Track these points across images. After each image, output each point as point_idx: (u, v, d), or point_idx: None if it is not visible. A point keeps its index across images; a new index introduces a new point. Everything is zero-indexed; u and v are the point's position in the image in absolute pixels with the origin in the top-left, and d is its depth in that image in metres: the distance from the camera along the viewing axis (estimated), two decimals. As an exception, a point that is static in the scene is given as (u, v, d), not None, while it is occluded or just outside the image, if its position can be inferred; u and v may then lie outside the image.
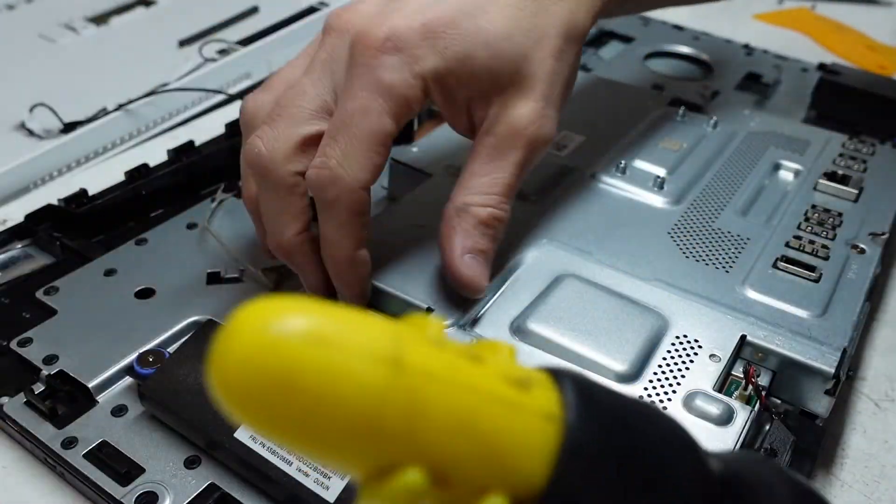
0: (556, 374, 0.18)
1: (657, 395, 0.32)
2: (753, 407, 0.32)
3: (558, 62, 0.35)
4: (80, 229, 0.44)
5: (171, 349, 0.35)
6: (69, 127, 0.55)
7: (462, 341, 0.33)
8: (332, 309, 0.16)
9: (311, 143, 0.33)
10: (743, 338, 0.35)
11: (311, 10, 0.70)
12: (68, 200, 0.44)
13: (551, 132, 0.35)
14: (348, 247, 0.33)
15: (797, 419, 0.34)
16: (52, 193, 0.50)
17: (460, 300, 0.35)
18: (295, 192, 0.33)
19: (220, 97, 0.61)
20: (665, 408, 0.31)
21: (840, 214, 0.44)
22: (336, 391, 0.15)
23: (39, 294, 0.39)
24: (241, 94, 0.61)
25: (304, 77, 0.34)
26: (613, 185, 0.45)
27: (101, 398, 0.35)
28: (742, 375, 0.34)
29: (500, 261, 0.38)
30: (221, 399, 0.15)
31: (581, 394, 0.17)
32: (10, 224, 0.45)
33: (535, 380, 0.17)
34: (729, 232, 0.42)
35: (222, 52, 0.65)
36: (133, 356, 0.35)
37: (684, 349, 0.34)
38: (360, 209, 0.32)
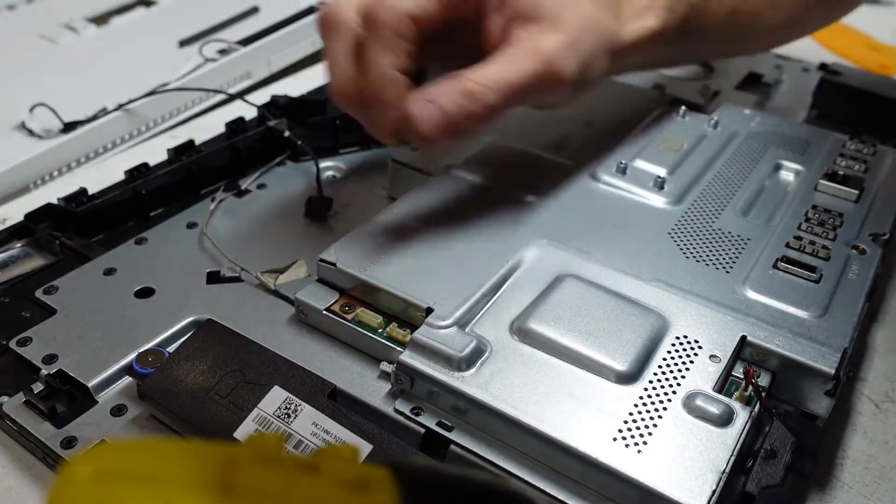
0: (396, 471, 0.19)
1: (657, 395, 0.32)
2: (753, 408, 0.32)
3: (588, 21, 0.38)
4: (79, 228, 0.44)
5: (171, 349, 0.35)
6: (69, 127, 0.55)
7: (453, 342, 0.33)
8: (159, 445, 0.17)
9: None
10: (743, 338, 0.35)
11: (310, 10, 0.70)
12: (68, 200, 0.44)
13: (569, 67, 0.37)
14: (387, 64, 0.35)
15: (797, 420, 0.34)
16: (51, 193, 0.50)
17: (460, 300, 0.35)
18: (396, 31, 0.35)
19: (221, 97, 0.61)
20: (665, 409, 0.31)
21: (841, 215, 0.43)
22: None
23: (39, 293, 0.39)
24: (241, 94, 0.61)
25: None
26: (613, 185, 0.45)
27: (100, 398, 0.35)
28: (742, 376, 0.34)
29: (501, 259, 0.38)
30: None
31: (418, 490, 0.19)
32: (9, 223, 0.44)
33: (374, 479, 0.18)
34: (729, 232, 0.42)
35: (223, 52, 0.65)
36: (133, 356, 0.35)
37: (684, 349, 0.34)
38: (403, 33, 0.35)
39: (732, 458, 0.30)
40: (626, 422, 0.31)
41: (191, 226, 0.45)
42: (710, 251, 0.40)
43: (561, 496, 0.30)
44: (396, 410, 0.33)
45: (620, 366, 0.33)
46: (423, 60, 0.37)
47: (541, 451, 0.31)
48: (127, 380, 0.35)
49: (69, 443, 0.32)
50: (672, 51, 0.45)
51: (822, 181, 0.46)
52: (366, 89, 0.36)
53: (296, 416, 0.32)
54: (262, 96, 0.60)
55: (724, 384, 0.34)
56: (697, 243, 0.41)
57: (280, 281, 0.40)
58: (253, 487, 0.17)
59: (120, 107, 0.56)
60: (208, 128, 0.56)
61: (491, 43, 0.38)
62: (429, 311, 0.35)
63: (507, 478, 0.31)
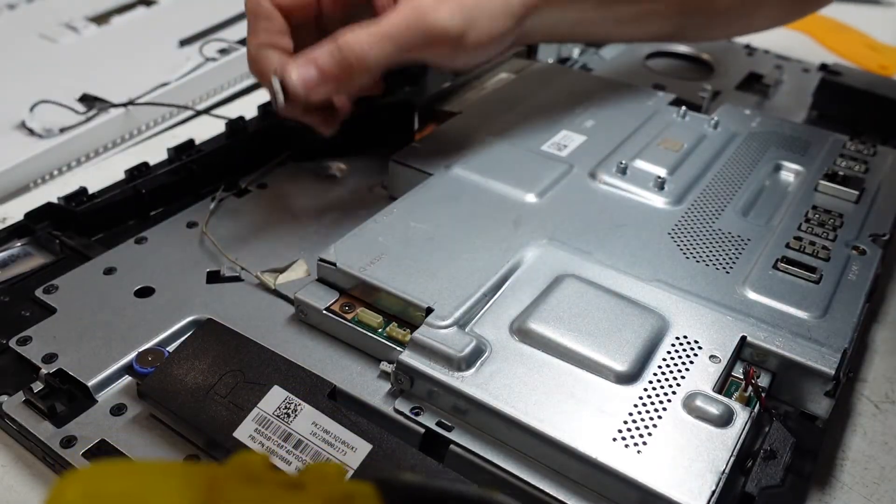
0: (381, 486, 0.19)
1: (657, 395, 0.32)
2: (753, 408, 0.32)
3: None
4: (79, 228, 0.44)
5: (171, 348, 0.35)
6: (69, 126, 0.55)
7: (459, 340, 0.33)
8: (146, 467, 0.18)
9: None
10: (743, 339, 0.35)
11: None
12: (68, 199, 0.44)
13: (449, 22, 0.39)
14: (255, 44, 0.41)
15: (797, 420, 0.34)
16: (52, 192, 0.50)
17: (460, 300, 0.35)
18: (259, 17, 0.41)
19: (220, 97, 0.61)
20: (665, 409, 0.31)
21: (841, 215, 0.43)
22: None
23: (39, 292, 0.39)
24: (211, 108, 0.61)
25: None
26: (613, 185, 0.45)
27: (100, 397, 0.35)
28: (742, 376, 0.34)
29: (501, 259, 0.38)
30: None
31: (400, 503, 0.19)
32: (9, 222, 0.44)
33: (359, 494, 0.18)
34: (729, 232, 0.42)
35: (223, 52, 0.65)
36: (132, 355, 0.35)
37: (684, 350, 0.34)
38: (272, 19, 0.41)
39: (732, 459, 0.30)
40: (625, 422, 0.31)
41: (191, 225, 0.45)
42: (710, 251, 0.40)
43: (561, 496, 0.30)
44: (396, 410, 0.33)
45: (620, 366, 0.33)
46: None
47: (541, 452, 0.31)
48: (127, 379, 0.35)
49: (69, 442, 0.32)
50: (594, 14, 0.46)
51: (822, 182, 0.46)
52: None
53: (295, 415, 0.32)
54: (262, 96, 0.60)
55: (724, 384, 0.34)
56: (697, 243, 0.41)
57: (280, 280, 0.40)
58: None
59: (120, 106, 0.56)
60: (208, 127, 0.56)
61: (379, 13, 0.40)
62: (429, 310, 0.35)
63: (494, 491, 0.31)
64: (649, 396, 0.32)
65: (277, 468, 0.30)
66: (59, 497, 0.17)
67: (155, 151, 0.53)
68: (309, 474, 0.19)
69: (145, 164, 0.47)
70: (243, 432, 0.31)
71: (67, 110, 0.55)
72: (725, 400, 0.32)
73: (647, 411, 0.31)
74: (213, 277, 0.41)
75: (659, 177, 0.45)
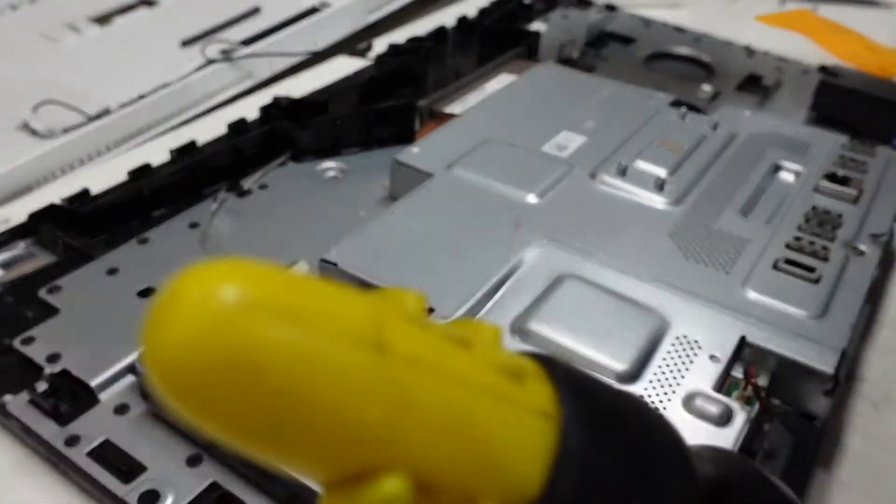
0: (547, 364, 0.16)
1: (657, 394, 0.32)
2: (753, 408, 0.32)
3: None
4: (82, 228, 0.44)
5: (174, 348, 0.36)
6: (72, 126, 0.55)
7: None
8: (302, 278, 0.13)
9: None
10: (742, 339, 0.35)
11: (312, 11, 0.70)
12: (71, 199, 0.44)
13: None
14: None
15: (796, 420, 0.34)
16: (54, 192, 0.50)
17: (461, 300, 0.35)
18: None
19: (220, 97, 0.61)
20: (665, 408, 0.31)
21: (840, 216, 0.44)
22: (309, 380, 0.12)
23: (42, 293, 0.39)
24: (209, 111, 0.61)
25: None
26: (614, 185, 0.45)
27: (103, 396, 0.35)
28: (742, 376, 0.34)
29: (501, 259, 0.38)
30: (159, 385, 0.12)
31: (576, 389, 0.16)
32: (13, 223, 0.45)
33: (528, 370, 0.15)
34: (729, 233, 0.42)
35: (225, 53, 0.65)
36: (136, 354, 0.36)
37: (684, 350, 0.34)
38: None
39: (731, 458, 0.30)
40: (625, 421, 0.31)
41: (193, 226, 0.45)
42: (710, 252, 0.40)
43: (561, 495, 0.30)
44: (398, 410, 0.33)
45: (620, 365, 0.33)
46: None
47: (541, 451, 0.31)
48: (130, 378, 0.35)
49: (72, 441, 0.33)
50: None
51: (821, 182, 0.46)
52: None
53: (298, 414, 0.32)
54: (263, 97, 0.60)
55: (724, 384, 0.34)
56: (697, 244, 0.41)
57: (282, 281, 0.41)
58: (406, 352, 0.13)
59: (122, 107, 0.57)
60: (210, 128, 0.57)
61: None
62: (429, 311, 0.35)
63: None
64: (649, 396, 0.32)
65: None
66: (208, 299, 0.12)
67: (157, 152, 0.53)
68: (469, 330, 0.15)
69: (148, 165, 0.48)
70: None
71: (70, 111, 0.56)
72: (725, 399, 0.32)
73: (647, 411, 0.31)
74: (216, 277, 0.41)
75: (659, 177, 0.45)
